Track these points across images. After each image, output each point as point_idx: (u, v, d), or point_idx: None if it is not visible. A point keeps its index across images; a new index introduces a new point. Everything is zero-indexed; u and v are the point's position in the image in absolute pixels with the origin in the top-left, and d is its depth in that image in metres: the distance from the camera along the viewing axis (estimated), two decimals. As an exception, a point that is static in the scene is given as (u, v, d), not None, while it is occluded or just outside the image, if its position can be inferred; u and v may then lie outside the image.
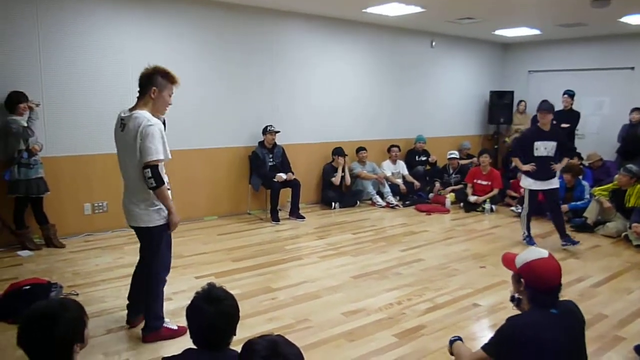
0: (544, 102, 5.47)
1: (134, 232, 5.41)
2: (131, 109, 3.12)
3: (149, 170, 2.98)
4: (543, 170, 5.45)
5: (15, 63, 5.15)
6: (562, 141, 5.55)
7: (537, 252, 2.17)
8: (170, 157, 3.10)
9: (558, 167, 5.53)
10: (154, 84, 3.10)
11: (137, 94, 3.17)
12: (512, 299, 2.24)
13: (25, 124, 4.88)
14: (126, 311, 3.55)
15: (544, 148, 5.42)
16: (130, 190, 3.18)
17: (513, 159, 5.83)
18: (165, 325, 3.36)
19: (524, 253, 2.21)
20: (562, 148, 5.54)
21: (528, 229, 5.74)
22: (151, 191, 3.06)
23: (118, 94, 5.79)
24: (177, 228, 3.33)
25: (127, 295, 3.57)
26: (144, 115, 3.04)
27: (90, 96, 5.62)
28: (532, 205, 5.67)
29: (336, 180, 7.45)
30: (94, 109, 5.66)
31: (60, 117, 5.47)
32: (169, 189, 3.17)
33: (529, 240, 5.68)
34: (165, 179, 3.12)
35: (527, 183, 5.61)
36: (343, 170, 7.53)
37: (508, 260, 2.26)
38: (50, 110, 5.37)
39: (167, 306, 3.81)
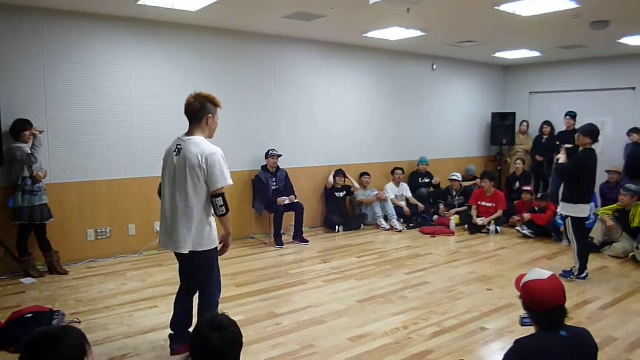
0: None
1: (137, 259, 5.41)
2: (188, 134, 3.23)
3: (220, 198, 3.13)
4: None
5: (21, 91, 5.21)
6: None
7: (538, 273, 2.16)
8: (232, 182, 3.20)
9: None
10: (208, 111, 3.21)
11: (189, 123, 3.25)
12: (521, 321, 2.23)
13: (29, 151, 4.91)
14: (169, 341, 3.51)
15: None
16: (182, 215, 3.14)
17: None
18: None
19: (528, 273, 2.19)
20: None
21: None
22: (211, 216, 3.20)
23: (122, 121, 5.84)
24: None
25: (170, 324, 3.51)
26: (205, 142, 3.17)
27: (94, 123, 5.67)
28: None
29: (329, 182, 7.46)
30: (97, 135, 5.70)
31: (64, 144, 5.50)
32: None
33: None
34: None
35: None
36: (344, 190, 7.57)
37: (517, 281, 2.25)
38: (54, 137, 5.41)
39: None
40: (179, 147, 3.18)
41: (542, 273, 2.16)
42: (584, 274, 5.20)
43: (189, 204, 3.12)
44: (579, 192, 5.06)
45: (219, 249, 3.32)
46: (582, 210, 5.08)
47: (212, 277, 3.35)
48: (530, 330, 2.19)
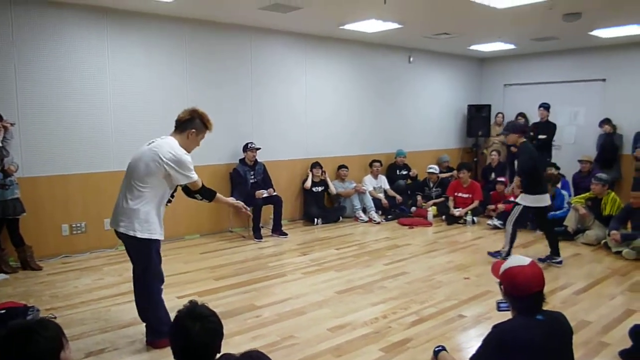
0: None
1: (113, 253, 5.36)
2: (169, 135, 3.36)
3: (198, 195, 3.40)
4: None
5: (-10, 83, 5.07)
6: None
7: (518, 260, 2.20)
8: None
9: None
10: (193, 126, 3.31)
11: (174, 129, 3.37)
12: (497, 306, 2.26)
13: (0, 144, 4.77)
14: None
15: None
16: (124, 195, 3.25)
17: None
18: None
19: (507, 260, 2.23)
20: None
21: None
22: (152, 209, 3.25)
23: (96, 113, 5.73)
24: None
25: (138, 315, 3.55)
26: (176, 144, 3.25)
27: (67, 116, 5.55)
28: None
29: (307, 184, 7.47)
30: (70, 128, 5.58)
31: (36, 137, 5.37)
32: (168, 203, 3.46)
33: None
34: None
35: None
36: (322, 185, 7.57)
37: (495, 269, 2.28)
38: (26, 130, 5.27)
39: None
40: (152, 141, 3.31)
41: (522, 259, 2.19)
42: (559, 259, 5.35)
43: (134, 187, 3.22)
44: (536, 183, 5.30)
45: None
46: (543, 200, 5.31)
47: (149, 267, 3.35)
48: (507, 315, 2.23)
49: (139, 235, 3.22)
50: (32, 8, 5.24)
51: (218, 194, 3.51)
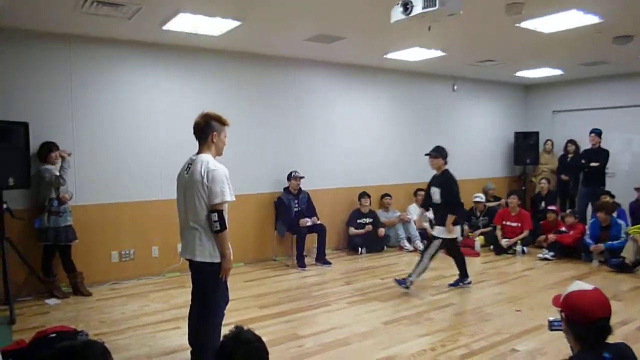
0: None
1: (159, 280, 5.42)
2: (197, 153, 3.34)
3: (215, 214, 3.16)
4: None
5: (49, 115, 5.33)
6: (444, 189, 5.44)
7: (580, 285, 2.06)
8: (233, 199, 3.23)
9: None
10: (212, 129, 3.31)
11: (197, 142, 3.37)
12: (550, 325, 2.15)
13: (58, 173, 4.99)
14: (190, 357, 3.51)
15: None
16: (192, 228, 3.23)
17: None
18: None
19: (570, 286, 2.09)
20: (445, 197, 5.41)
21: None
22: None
23: (146, 144, 5.92)
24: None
25: (187, 340, 3.52)
26: (210, 160, 3.25)
27: (119, 146, 5.75)
28: None
29: (351, 231, 7.46)
30: (122, 158, 5.78)
31: (89, 167, 5.58)
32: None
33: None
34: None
35: None
36: (371, 217, 7.51)
37: (556, 298, 2.14)
38: (80, 159, 5.49)
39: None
40: (189, 165, 3.31)
41: (584, 285, 2.05)
42: (468, 280, 5.59)
43: (196, 217, 3.21)
44: (456, 213, 5.41)
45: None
46: (458, 231, 5.56)
47: (219, 289, 3.35)
48: (564, 343, 2.08)
49: (216, 260, 3.24)
50: (88, 44, 5.52)
51: (227, 234, 3.24)
